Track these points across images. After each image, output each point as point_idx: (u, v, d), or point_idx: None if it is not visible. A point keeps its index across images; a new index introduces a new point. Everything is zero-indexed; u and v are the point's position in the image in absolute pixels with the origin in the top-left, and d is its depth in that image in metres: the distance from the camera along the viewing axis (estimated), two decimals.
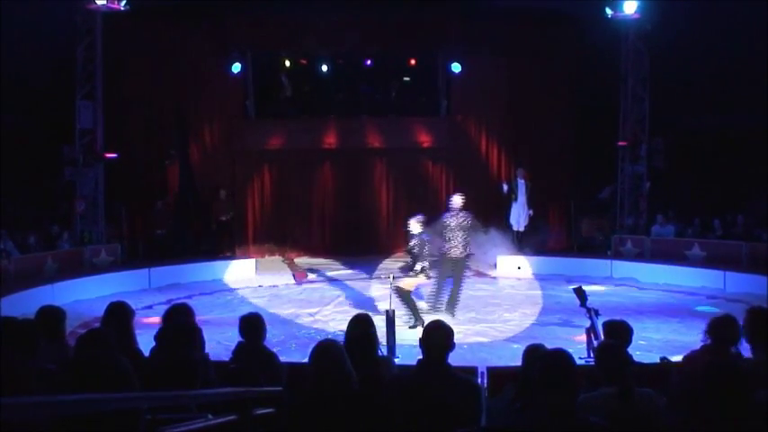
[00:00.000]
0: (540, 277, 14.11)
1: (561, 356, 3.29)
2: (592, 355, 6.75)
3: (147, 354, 4.67)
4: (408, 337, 8.63)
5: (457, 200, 10.51)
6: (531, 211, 15.37)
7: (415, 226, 9.83)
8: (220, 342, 8.08)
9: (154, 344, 4.57)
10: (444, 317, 10.13)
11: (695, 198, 15.90)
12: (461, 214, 10.40)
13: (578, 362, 3.87)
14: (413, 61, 17.11)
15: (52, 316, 4.62)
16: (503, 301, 11.91)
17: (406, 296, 9.82)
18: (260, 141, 16.93)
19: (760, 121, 14.72)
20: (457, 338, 4.02)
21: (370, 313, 5.07)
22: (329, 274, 14.67)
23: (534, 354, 4.15)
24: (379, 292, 11.93)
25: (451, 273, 10.49)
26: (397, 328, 8.37)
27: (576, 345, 7.85)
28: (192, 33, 16.03)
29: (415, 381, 3.89)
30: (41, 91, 14.84)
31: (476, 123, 17.19)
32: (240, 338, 5.15)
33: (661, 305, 11.70)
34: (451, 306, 10.47)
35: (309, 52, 16.71)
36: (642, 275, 13.81)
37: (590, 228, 16.17)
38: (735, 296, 12.00)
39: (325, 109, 17.06)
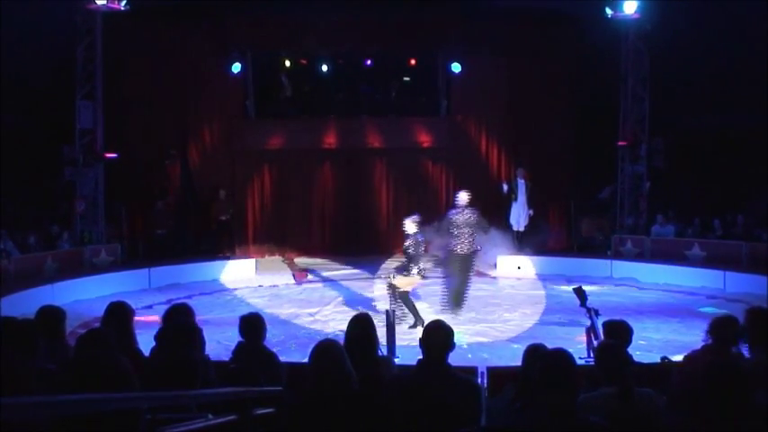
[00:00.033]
0: (541, 277, 14.12)
1: (561, 356, 3.29)
2: (592, 355, 6.74)
3: (147, 354, 4.67)
4: (408, 337, 8.64)
5: (463, 196, 10.55)
6: (531, 211, 15.37)
7: (410, 226, 9.83)
8: (220, 342, 8.08)
9: (154, 344, 4.57)
10: (455, 315, 10.25)
11: (695, 198, 15.90)
12: (467, 211, 10.44)
13: (578, 362, 3.86)
14: (413, 61, 17.10)
15: (52, 316, 4.62)
16: (503, 301, 11.91)
17: (403, 297, 9.82)
18: (260, 141, 16.93)
19: (760, 121, 14.71)
20: (458, 339, 4.02)
21: (370, 313, 5.07)
22: (329, 273, 14.66)
23: (534, 354, 4.15)
24: (380, 292, 11.96)
25: (459, 269, 10.53)
26: (397, 328, 8.37)
27: (576, 345, 7.85)
28: (191, 33, 16.03)
29: (415, 381, 3.89)
30: (41, 91, 14.83)
31: (476, 123, 17.19)
32: (240, 338, 5.15)
33: (661, 305, 11.70)
34: (457, 304, 10.51)
35: (309, 52, 16.70)
36: (642, 275, 13.80)
37: (590, 228, 16.17)
38: (735, 296, 12.00)
39: (325, 109, 17.05)
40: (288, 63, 16.90)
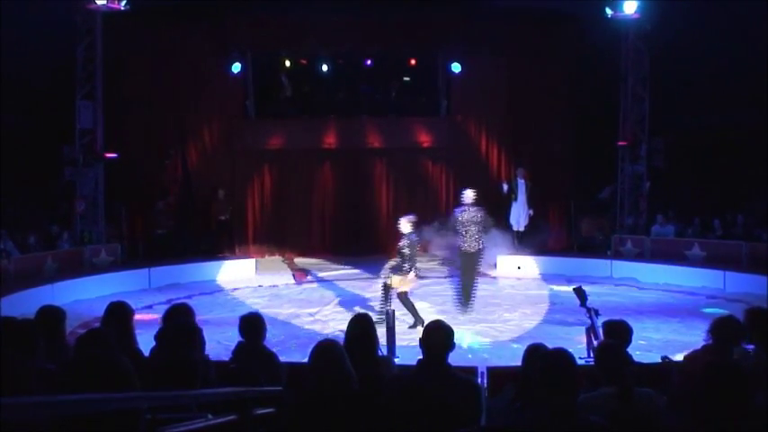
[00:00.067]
0: (541, 277, 14.12)
1: (561, 356, 3.29)
2: (592, 355, 6.74)
3: (147, 354, 4.67)
4: (408, 337, 8.64)
5: (469, 194, 10.57)
6: (531, 211, 15.37)
7: (405, 225, 9.82)
8: (220, 342, 8.09)
9: (154, 344, 4.57)
10: (465, 313, 10.29)
11: (695, 198, 15.90)
12: (473, 209, 10.46)
13: (578, 362, 3.87)
14: (413, 61, 17.11)
15: (52, 316, 4.62)
16: (503, 301, 11.91)
17: (402, 297, 9.80)
18: (260, 141, 16.93)
19: (760, 121, 14.72)
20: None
21: (370, 313, 5.07)
22: (329, 274, 14.66)
23: (534, 353, 4.16)
24: (380, 292, 11.91)
25: (466, 267, 10.54)
26: (396, 327, 8.36)
27: (576, 345, 7.85)
28: (191, 33, 16.03)
29: (415, 381, 3.89)
30: (41, 91, 14.84)
31: (476, 123, 17.19)
32: (240, 338, 5.15)
33: (661, 305, 11.70)
34: (467, 303, 10.54)
35: (309, 52, 16.70)
36: (642, 275, 13.80)
37: (590, 228, 16.17)
38: (735, 296, 11.99)
39: (325, 109, 17.06)
40: (288, 63, 16.90)
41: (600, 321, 6.71)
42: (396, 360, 6.61)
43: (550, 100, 16.30)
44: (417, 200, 16.25)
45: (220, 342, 8.07)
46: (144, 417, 2.37)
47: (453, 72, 16.54)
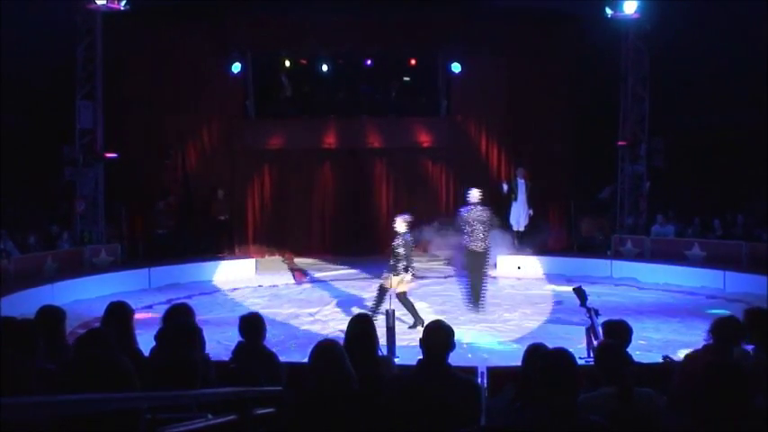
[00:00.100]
0: (541, 277, 14.11)
1: (561, 356, 3.29)
2: (592, 355, 6.74)
3: (147, 354, 4.67)
4: (408, 337, 8.64)
5: (475, 193, 10.58)
6: (531, 211, 15.38)
7: (400, 225, 9.79)
8: (220, 342, 8.09)
9: (154, 344, 4.57)
10: (476, 313, 10.31)
11: (695, 198, 15.90)
12: (479, 208, 10.47)
13: (578, 362, 3.87)
14: (413, 61, 17.11)
15: (52, 316, 4.61)
16: (503, 301, 11.90)
17: (402, 297, 9.78)
18: (260, 141, 16.94)
19: (760, 121, 14.72)
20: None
21: (370, 313, 5.06)
22: (329, 274, 14.66)
23: (535, 353, 4.15)
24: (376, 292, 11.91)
25: (474, 266, 10.55)
26: (396, 327, 8.36)
27: (576, 345, 7.84)
28: (191, 33, 16.03)
29: (415, 381, 3.89)
30: (41, 91, 14.83)
31: (476, 123, 17.19)
32: (240, 338, 5.15)
33: (661, 305, 11.69)
34: (477, 302, 10.58)
35: (309, 52, 16.70)
36: (642, 275, 13.80)
37: (590, 228, 16.17)
38: (735, 296, 11.99)
39: (325, 109, 17.06)
40: (288, 63, 16.90)
41: (600, 321, 6.71)
42: (396, 360, 6.61)
43: (550, 100, 16.31)
44: (417, 200, 16.25)
45: (220, 342, 8.07)
46: (144, 417, 2.38)
47: (453, 72, 16.54)
